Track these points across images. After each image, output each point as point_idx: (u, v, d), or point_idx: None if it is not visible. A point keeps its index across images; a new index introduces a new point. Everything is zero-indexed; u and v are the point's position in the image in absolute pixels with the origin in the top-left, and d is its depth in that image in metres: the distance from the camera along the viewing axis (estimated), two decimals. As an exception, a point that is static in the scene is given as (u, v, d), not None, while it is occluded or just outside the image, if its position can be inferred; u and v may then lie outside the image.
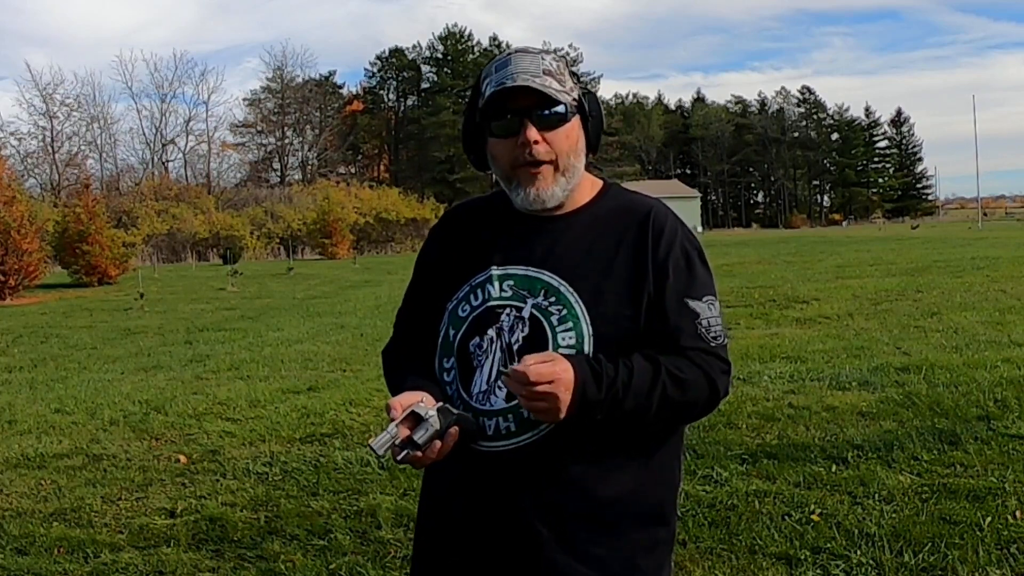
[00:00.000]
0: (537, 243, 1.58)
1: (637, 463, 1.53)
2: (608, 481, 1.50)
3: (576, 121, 1.56)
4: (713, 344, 1.52)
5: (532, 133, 1.51)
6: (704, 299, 1.53)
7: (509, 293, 1.55)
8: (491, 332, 1.54)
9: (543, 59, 1.55)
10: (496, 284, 1.56)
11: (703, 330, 1.51)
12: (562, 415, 1.40)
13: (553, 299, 1.52)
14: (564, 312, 1.51)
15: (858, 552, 3.40)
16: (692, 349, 1.50)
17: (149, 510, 4.35)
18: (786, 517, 3.79)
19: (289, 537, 3.90)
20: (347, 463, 4.94)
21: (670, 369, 1.47)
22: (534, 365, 1.38)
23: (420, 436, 1.41)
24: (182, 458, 5.27)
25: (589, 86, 1.63)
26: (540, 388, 1.37)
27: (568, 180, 1.56)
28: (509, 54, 1.57)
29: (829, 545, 3.48)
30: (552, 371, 1.39)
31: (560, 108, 1.52)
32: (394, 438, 1.41)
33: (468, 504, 1.53)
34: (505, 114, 1.53)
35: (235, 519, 4.14)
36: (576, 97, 1.56)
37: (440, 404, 1.46)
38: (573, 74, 1.60)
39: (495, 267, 1.58)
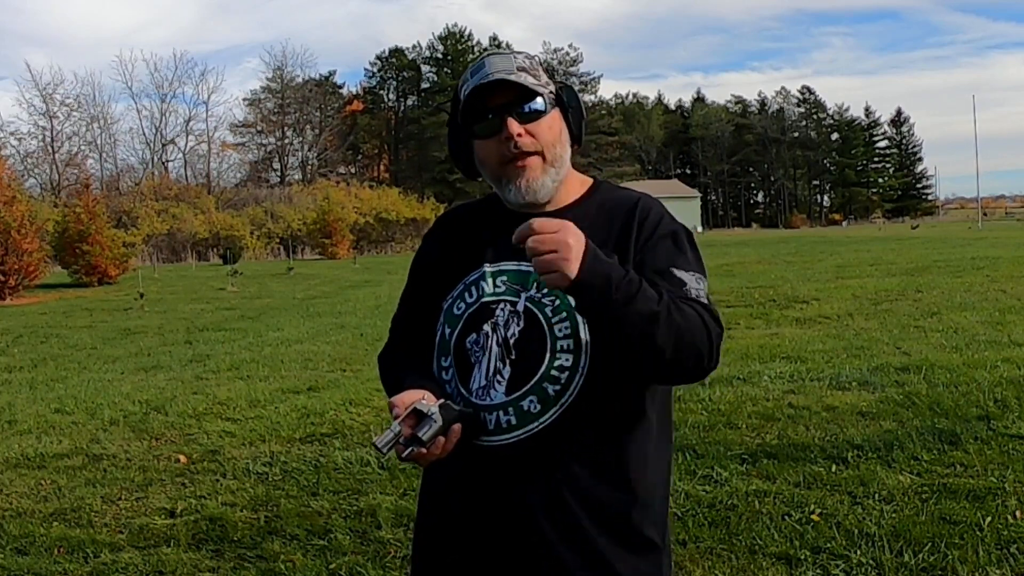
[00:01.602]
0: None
1: (635, 458, 1.53)
2: (609, 474, 1.51)
3: (556, 113, 1.59)
4: (704, 302, 1.47)
5: (515, 126, 1.53)
6: (691, 272, 1.50)
7: (503, 288, 1.57)
8: (487, 328, 1.55)
9: (515, 58, 1.58)
10: (489, 281, 1.58)
11: (693, 296, 1.47)
12: (573, 268, 1.32)
13: (546, 291, 1.53)
14: (558, 303, 1.51)
15: (858, 552, 3.40)
16: (683, 298, 1.44)
17: (149, 510, 4.35)
18: (786, 517, 3.79)
19: (289, 537, 3.90)
20: (347, 463, 4.94)
21: (672, 294, 1.42)
22: (537, 219, 1.36)
23: (424, 433, 1.42)
24: (182, 458, 5.27)
25: (590, 85, 1.65)
26: (549, 235, 1.33)
27: (557, 171, 1.58)
28: (483, 58, 1.60)
29: (829, 545, 3.48)
30: (559, 221, 1.36)
31: (538, 101, 1.55)
32: (398, 436, 1.41)
33: (469, 499, 1.54)
34: (486, 114, 1.55)
35: (235, 519, 4.14)
36: (553, 91, 1.59)
37: (442, 400, 1.47)
38: (547, 71, 1.63)
39: (488, 264, 1.60)
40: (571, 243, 1.33)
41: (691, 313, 1.41)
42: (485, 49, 76.54)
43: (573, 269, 1.32)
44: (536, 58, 1.62)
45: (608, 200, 1.63)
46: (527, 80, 1.54)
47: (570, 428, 1.48)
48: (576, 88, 1.67)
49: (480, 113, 1.55)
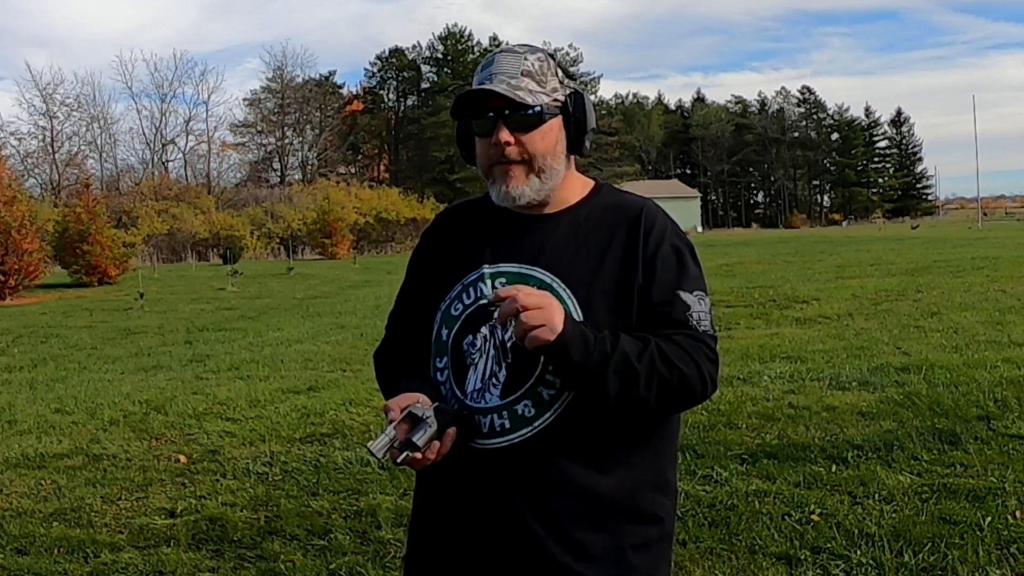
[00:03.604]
0: (528, 241, 1.59)
1: (630, 461, 1.53)
2: (601, 479, 1.50)
3: (555, 122, 1.56)
4: (701, 330, 1.51)
5: (504, 134, 1.53)
6: (694, 293, 1.53)
7: None
8: (484, 330, 1.54)
9: (525, 59, 1.56)
10: (488, 282, 1.57)
11: (694, 322, 1.51)
12: (559, 326, 1.39)
13: None
14: None
15: (858, 552, 3.40)
16: (680, 334, 1.49)
17: (149, 510, 4.35)
18: (786, 517, 3.79)
19: (289, 537, 3.90)
20: (347, 463, 4.94)
21: (659, 344, 1.46)
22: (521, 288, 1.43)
23: (419, 437, 1.41)
24: (182, 458, 5.27)
25: (590, 85, 1.64)
26: (533, 299, 1.40)
27: (543, 181, 1.56)
28: (495, 53, 1.59)
29: (829, 545, 3.48)
30: (541, 293, 1.43)
31: (532, 111, 1.53)
32: (393, 440, 1.41)
33: (463, 502, 1.54)
34: (484, 113, 1.55)
35: (235, 519, 4.14)
36: (558, 98, 1.56)
37: (436, 404, 1.47)
38: (565, 72, 1.61)
39: (487, 266, 1.59)
40: (555, 309, 1.40)
41: (678, 356, 1.46)
42: (486, 49, 76.54)
43: (558, 326, 1.39)
44: (550, 60, 1.59)
45: (611, 204, 1.62)
46: (527, 87, 1.52)
47: (564, 432, 1.48)
48: None
49: (479, 110, 1.55)
